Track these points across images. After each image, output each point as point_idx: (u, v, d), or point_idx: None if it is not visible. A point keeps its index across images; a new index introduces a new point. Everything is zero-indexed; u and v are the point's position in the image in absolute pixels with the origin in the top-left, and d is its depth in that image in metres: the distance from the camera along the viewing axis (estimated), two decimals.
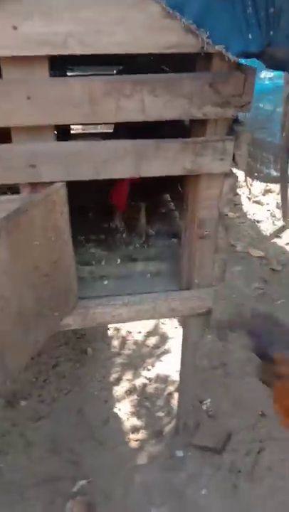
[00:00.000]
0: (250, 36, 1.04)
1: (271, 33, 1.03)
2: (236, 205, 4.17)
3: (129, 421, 2.06)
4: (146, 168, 1.19)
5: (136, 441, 1.96)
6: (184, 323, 1.68)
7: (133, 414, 2.10)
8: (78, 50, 1.02)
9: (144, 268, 1.67)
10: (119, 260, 1.71)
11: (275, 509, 1.68)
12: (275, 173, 3.76)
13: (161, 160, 1.19)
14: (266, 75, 3.38)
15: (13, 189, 1.23)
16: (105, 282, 1.58)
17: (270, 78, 3.39)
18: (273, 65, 1.22)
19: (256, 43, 1.05)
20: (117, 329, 2.66)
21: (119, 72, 2.79)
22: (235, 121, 1.23)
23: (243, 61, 1.46)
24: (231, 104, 1.14)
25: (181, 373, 1.81)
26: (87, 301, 1.44)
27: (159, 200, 2.13)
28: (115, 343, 2.56)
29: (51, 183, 1.17)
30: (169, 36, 1.03)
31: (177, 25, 1.02)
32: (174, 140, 1.18)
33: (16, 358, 1.09)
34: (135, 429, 2.01)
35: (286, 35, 1.01)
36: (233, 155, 1.22)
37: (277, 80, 3.36)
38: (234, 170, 3.97)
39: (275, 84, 3.40)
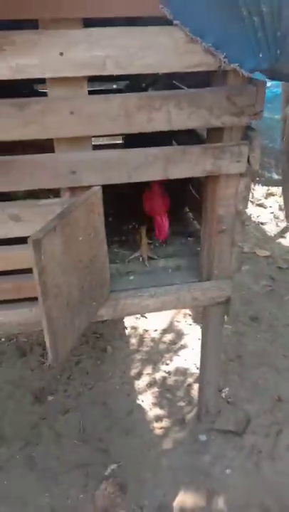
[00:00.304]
0: (260, 55, 1.20)
1: (278, 52, 1.20)
2: None
3: (152, 411, 2.19)
4: (173, 171, 1.35)
5: (160, 428, 2.09)
6: (204, 313, 1.82)
7: (155, 404, 2.23)
8: (115, 71, 1.19)
9: (165, 264, 1.81)
10: (141, 258, 1.86)
11: None
12: (276, 177, 3.95)
13: (185, 163, 1.35)
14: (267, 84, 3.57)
15: (55, 192, 1.39)
16: (131, 278, 1.73)
17: (268, 87, 3.57)
18: (276, 77, 1.39)
19: (266, 61, 1.22)
20: (134, 328, 2.80)
21: (126, 87, 3.00)
22: (249, 127, 1.39)
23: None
24: (245, 113, 1.31)
25: (203, 362, 1.95)
26: (117, 294, 1.59)
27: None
28: (133, 341, 2.70)
29: (89, 187, 1.33)
30: (191, 57, 1.20)
31: (199, 48, 1.19)
32: (196, 146, 1.35)
33: (64, 341, 1.24)
34: (159, 418, 2.14)
35: None
36: (248, 157, 1.39)
37: (274, 89, 3.56)
38: None
39: (273, 93, 3.60)
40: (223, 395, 2.22)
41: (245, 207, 1.55)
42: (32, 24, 1.12)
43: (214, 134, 1.40)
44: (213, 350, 1.88)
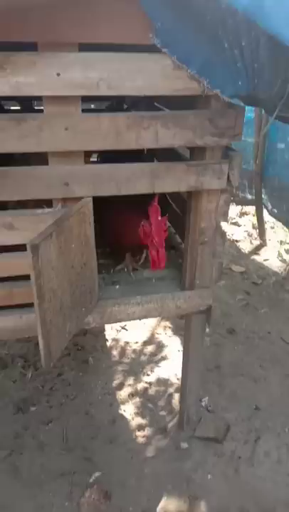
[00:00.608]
0: (240, 83, 1.34)
1: (256, 80, 1.34)
2: None
3: (134, 420, 2.23)
4: (160, 185, 1.45)
5: (143, 437, 2.13)
6: (186, 322, 1.91)
7: (137, 414, 2.27)
8: (107, 92, 1.29)
9: (148, 275, 1.90)
10: (126, 269, 1.94)
11: (274, 488, 1.88)
12: (250, 197, 4.14)
13: (171, 179, 1.46)
14: None
15: (47, 203, 1.46)
16: (117, 287, 1.80)
17: None
18: (253, 103, 1.53)
19: (244, 88, 1.35)
20: (116, 340, 2.85)
21: (110, 105, 3.13)
22: (229, 147, 1.52)
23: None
24: (226, 135, 1.43)
25: (184, 370, 2.02)
26: (104, 302, 1.66)
27: None
28: (114, 352, 2.75)
29: (80, 198, 1.41)
30: (177, 82, 1.32)
31: (184, 74, 1.31)
32: (181, 162, 1.46)
33: (57, 344, 1.29)
34: (141, 427, 2.18)
35: (266, 82, 1.32)
36: (228, 174, 1.51)
37: (248, 114, 3.76)
38: None
39: (247, 118, 3.80)
40: (203, 403, 2.29)
41: (225, 220, 1.66)
42: (31, 46, 1.21)
43: (197, 153, 1.52)
44: (194, 359, 1.95)
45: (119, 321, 1.71)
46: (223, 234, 1.67)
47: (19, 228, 1.42)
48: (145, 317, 1.74)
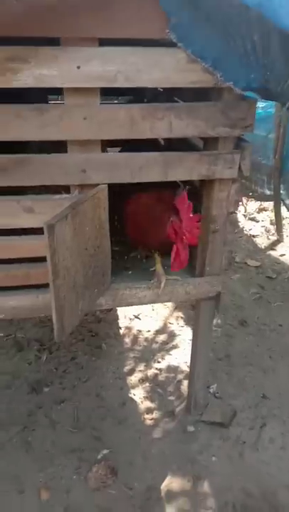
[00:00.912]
0: (252, 76, 1.39)
1: (268, 73, 1.38)
2: (233, 221, 4.53)
3: (143, 404, 2.31)
4: (172, 173, 1.52)
5: (151, 420, 2.21)
6: (196, 308, 1.97)
7: (147, 398, 2.35)
8: (124, 84, 1.36)
9: (161, 263, 1.97)
10: (138, 256, 2.01)
11: (277, 473, 1.93)
12: (268, 192, 4.14)
13: (183, 168, 1.52)
14: (259, 105, 3.79)
15: (65, 189, 1.55)
16: (129, 272, 1.88)
17: (262, 108, 3.80)
18: (266, 96, 1.58)
19: (257, 81, 1.40)
20: (129, 328, 2.93)
21: (130, 100, 3.20)
22: (241, 138, 1.57)
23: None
24: (238, 126, 1.49)
25: (193, 355, 2.08)
26: (116, 285, 1.74)
27: None
28: (127, 340, 2.83)
29: (96, 185, 1.49)
30: (192, 75, 1.38)
31: (198, 67, 1.37)
32: (194, 152, 1.52)
33: (69, 319, 1.38)
34: (150, 410, 2.26)
35: (277, 76, 1.36)
36: (239, 164, 1.56)
37: (269, 109, 3.78)
38: None
39: (267, 113, 3.82)
40: (211, 390, 2.35)
41: (236, 209, 1.71)
42: (55, 40, 1.30)
43: (210, 143, 1.57)
44: (203, 344, 2.02)
45: (130, 304, 1.78)
46: (234, 223, 1.72)
47: (38, 212, 1.51)
48: (155, 302, 1.81)
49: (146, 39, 1.33)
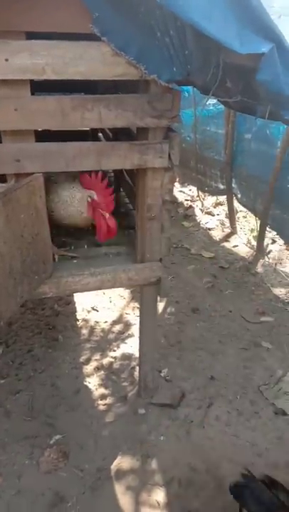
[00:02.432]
0: (174, 69, 1.48)
1: (189, 67, 1.48)
2: (190, 216, 4.66)
3: (97, 391, 2.37)
4: (106, 162, 1.59)
5: (104, 405, 2.27)
6: (141, 293, 2.05)
7: (101, 385, 2.41)
8: (52, 76, 1.42)
9: (106, 251, 2.03)
10: (86, 246, 2.07)
11: (221, 447, 2.03)
12: (222, 187, 4.29)
13: (116, 157, 1.60)
14: (210, 102, 3.93)
15: (1, 179, 1.59)
16: (75, 261, 1.94)
17: (213, 104, 3.94)
18: (199, 89, 1.67)
19: (179, 74, 1.49)
20: (86, 320, 2.99)
21: None
22: (170, 129, 1.66)
23: (189, 88, 1.86)
24: (164, 117, 1.57)
25: (140, 339, 2.17)
26: (60, 272, 1.79)
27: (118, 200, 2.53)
28: (84, 331, 2.89)
29: (32, 173, 1.54)
30: (116, 68, 1.46)
31: (123, 61, 1.45)
32: (124, 142, 1.60)
33: (7, 304, 1.43)
34: (103, 397, 2.33)
35: (198, 69, 1.46)
36: (169, 154, 1.65)
37: (219, 106, 3.91)
38: (190, 187, 4.54)
39: (218, 110, 3.96)
40: (162, 374, 2.45)
41: (171, 198, 1.80)
42: None
43: (141, 133, 1.66)
44: (148, 328, 2.10)
45: (75, 291, 1.85)
46: (169, 210, 1.81)
47: None
48: (99, 288, 1.88)
49: (74, 33, 1.40)
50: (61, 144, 1.54)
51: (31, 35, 1.38)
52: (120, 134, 2.20)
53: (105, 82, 1.87)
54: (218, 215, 4.66)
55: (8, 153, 1.50)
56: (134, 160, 1.62)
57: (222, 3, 1.22)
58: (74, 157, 1.56)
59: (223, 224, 4.42)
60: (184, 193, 5.37)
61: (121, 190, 2.67)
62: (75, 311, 3.10)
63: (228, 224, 4.40)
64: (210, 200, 4.94)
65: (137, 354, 2.62)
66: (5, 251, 1.38)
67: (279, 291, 3.30)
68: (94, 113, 1.51)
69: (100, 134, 3.30)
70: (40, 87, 2.32)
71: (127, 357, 2.63)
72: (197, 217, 4.63)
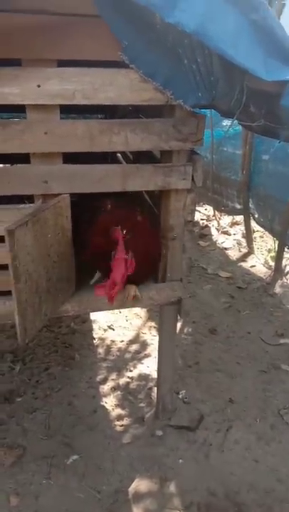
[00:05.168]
0: (199, 94, 1.52)
1: (214, 92, 1.52)
2: (206, 235, 4.67)
3: (114, 411, 2.35)
4: (130, 184, 1.63)
5: (121, 426, 2.25)
6: (160, 313, 2.05)
7: (118, 405, 2.39)
8: (82, 101, 1.47)
9: None
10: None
11: (241, 472, 1.99)
12: (238, 207, 4.30)
13: (140, 179, 1.63)
14: (227, 124, 3.98)
15: (30, 199, 1.63)
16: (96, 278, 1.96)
17: (231, 126, 3.98)
18: (222, 113, 1.71)
19: (204, 99, 1.54)
20: (102, 339, 2.99)
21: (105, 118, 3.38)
22: (193, 151, 1.69)
23: (207, 111, 1.90)
24: (189, 140, 1.61)
25: (159, 360, 2.16)
26: (82, 291, 1.81)
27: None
28: (100, 350, 2.88)
29: (58, 194, 1.58)
30: (144, 94, 1.50)
31: (150, 87, 1.49)
32: (149, 164, 1.63)
33: (32, 322, 1.45)
34: (120, 417, 2.31)
35: (223, 94, 1.50)
36: (192, 176, 1.68)
37: (236, 127, 3.96)
38: (206, 206, 4.54)
39: (235, 131, 4.01)
40: (180, 396, 2.42)
41: (192, 219, 1.82)
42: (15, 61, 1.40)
43: (165, 156, 1.69)
44: (167, 348, 2.09)
45: (96, 309, 1.86)
46: (191, 231, 1.83)
47: (4, 221, 1.58)
48: (121, 307, 1.89)
49: (102, 61, 1.45)
50: (88, 166, 1.59)
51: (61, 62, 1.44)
52: (142, 156, 2.25)
53: (127, 106, 1.92)
54: (234, 234, 4.66)
55: (37, 174, 1.54)
56: (158, 181, 1.66)
57: (248, 34, 1.26)
58: (100, 179, 1.59)
59: (239, 244, 4.42)
60: (199, 212, 5.39)
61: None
62: (92, 330, 3.10)
63: (244, 244, 4.39)
64: (226, 220, 4.95)
65: (153, 375, 2.61)
66: (32, 269, 1.41)
67: None
68: (120, 137, 1.55)
69: (119, 155, 3.38)
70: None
71: (144, 377, 2.61)
72: (213, 237, 4.64)
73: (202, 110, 1.80)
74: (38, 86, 1.43)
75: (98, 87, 1.47)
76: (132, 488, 1.91)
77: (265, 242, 4.47)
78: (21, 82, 1.41)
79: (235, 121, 1.66)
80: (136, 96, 1.50)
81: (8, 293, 1.67)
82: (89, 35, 1.40)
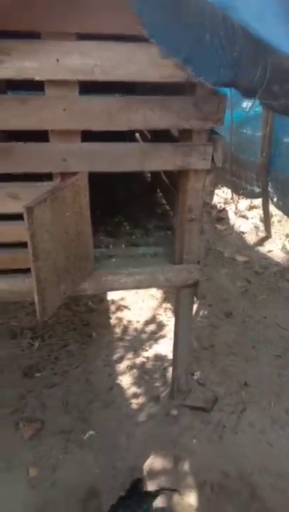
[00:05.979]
0: (221, 71, 1.47)
1: (236, 68, 1.47)
2: (223, 218, 4.62)
3: (130, 389, 2.39)
4: (148, 164, 1.61)
5: (136, 404, 2.29)
6: (177, 295, 2.05)
7: (133, 384, 2.43)
8: (101, 77, 1.45)
9: (144, 251, 2.05)
10: (124, 245, 2.09)
11: (254, 455, 2.00)
12: (257, 190, 4.22)
13: (158, 158, 1.61)
14: (247, 105, 3.88)
15: (48, 177, 1.63)
16: (113, 260, 1.96)
17: (251, 107, 3.87)
18: (244, 91, 1.66)
19: (226, 76, 1.49)
20: (119, 319, 3.02)
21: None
22: (213, 131, 1.66)
23: (227, 90, 1.88)
24: (210, 119, 1.57)
25: (175, 340, 2.17)
26: (100, 271, 1.82)
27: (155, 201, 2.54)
28: (117, 330, 2.91)
29: (77, 173, 1.57)
30: (164, 70, 1.47)
31: (170, 63, 1.45)
32: (168, 143, 1.61)
33: (51, 300, 1.46)
34: (136, 396, 2.34)
35: (245, 71, 1.45)
36: (212, 156, 1.65)
37: (256, 108, 3.85)
38: (223, 188, 4.44)
39: (255, 112, 3.90)
40: (195, 377, 2.43)
41: (211, 200, 1.79)
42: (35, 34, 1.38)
43: (185, 136, 1.66)
44: (183, 330, 2.10)
45: (113, 289, 1.87)
46: (209, 213, 1.81)
47: (23, 199, 1.59)
48: (137, 288, 1.89)
49: (125, 35, 1.42)
50: (107, 144, 1.57)
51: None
52: (160, 136, 2.22)
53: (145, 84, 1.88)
54: (252, 218, 4.59)
55: (56, 152, 1.54)
56: (177, 161, 1.63)
57: (274, 8, 1.21)
58: (118, 158, 1.58)
59: (257, 228, 4.35)
60: (217, 195, 5.31)
61: (158, 190, 2.68)
62: (108, 309, 3.13)
63: (262, 228, 4.33)
64: (244, 203, 4.87)
65: (169, 355, 2.63)
66: (51, 248, 1.41)
67: None
68: (139, 114, 1.52)
69: (137, 135, 3.34)
70: None
71: (160, 358, 2.64)
72: (231, 220, 4.58)
73: (222, 90, 1.75)
74: (57, 60, 1.41)
75: (118, 62, 1.44)
76: (146, 466, 1.95)
77: (283, 227, 4.39)
78: (40, 56, 1.39)
79: (256, 102, 1.62)
80: (156, 72, 1.47)
81: (28, 270, 1.71)
82: (109, 9, 1.37)
